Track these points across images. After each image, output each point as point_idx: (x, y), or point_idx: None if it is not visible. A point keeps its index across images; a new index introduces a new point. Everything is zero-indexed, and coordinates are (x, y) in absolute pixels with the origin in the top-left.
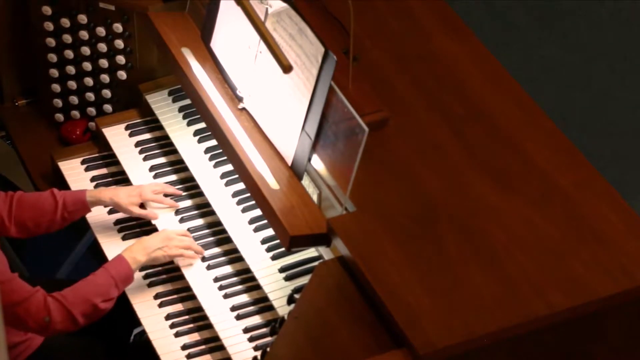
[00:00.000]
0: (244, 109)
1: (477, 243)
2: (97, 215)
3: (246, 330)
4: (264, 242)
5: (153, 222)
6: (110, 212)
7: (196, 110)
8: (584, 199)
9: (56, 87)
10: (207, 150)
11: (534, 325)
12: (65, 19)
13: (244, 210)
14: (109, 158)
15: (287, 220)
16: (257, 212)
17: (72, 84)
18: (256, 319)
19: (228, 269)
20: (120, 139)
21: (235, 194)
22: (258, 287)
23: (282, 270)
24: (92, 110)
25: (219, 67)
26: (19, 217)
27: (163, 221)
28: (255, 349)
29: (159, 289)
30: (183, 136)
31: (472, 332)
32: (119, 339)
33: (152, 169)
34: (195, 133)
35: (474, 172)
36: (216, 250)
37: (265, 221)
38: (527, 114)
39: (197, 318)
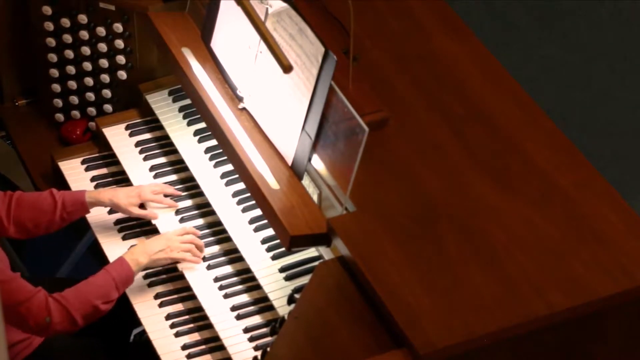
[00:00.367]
0: (244, 108)
1: (477, 243)
2: (97, 215)
3: (246, 330)
4: (264, 242)
5: (153, 222)
6: (111, 212)
7: (196, 110)
8: (584, 199)
9: (56, 87)
10: (207, 150)
11: (534, 325)
12: (66, 19)
13: (244, 210)
14: (109, 158)
15: (287, 220)
16: (257, 212)
17: (72, 84)
18: (256, 319)
19: (228, 269)
20: (120, 138)
21: (235, 194)
22: (258, 287)
23: (282, 270)
24: (92, 110)
25: (219, 67)
26: (18, 217)
27: (163, 221)
28: (256, 348)
29: (159, 288)
30: (183, 136)
31: (472, 332)
32: (119, 339)
33: (152, 168)
34: (196, 133)
35: (474, 172)
36: (216, 250)
37: (266, 221)
38: (527, 114)
39: (197, 318)
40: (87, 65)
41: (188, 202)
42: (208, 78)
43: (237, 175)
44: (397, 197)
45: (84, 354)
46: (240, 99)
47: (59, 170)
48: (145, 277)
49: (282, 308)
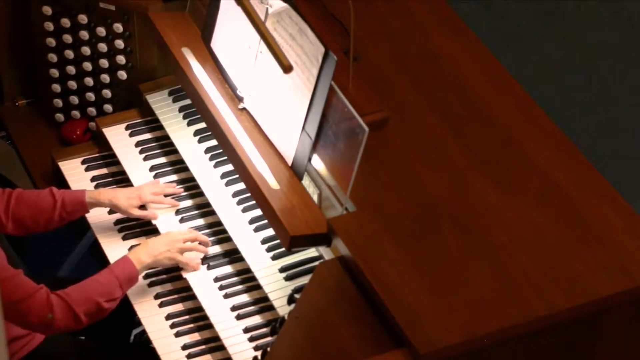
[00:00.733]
0: (244, 109)
1: (477, 243)
2: (97, 215)
3: (246, 330)
4: (264, 242)
5: (153, 222)
6: (111, 212)
7: (196, 110)
8: (584, 199)
9: (56, 87)
10: (207, 150)
11: (534, 325)
12: (66, 19)
13: (244, 210)
14: (109, 158)
15: (287, 220)
16: (258, 212)
17: (73, 84)
18: (256, 319)
19: (228, 269)
20: (120, 139)
21: (235, 194)
22: (258, 287)
23: (282, 270)
24: (92, 110)
25: (219, 67)
26: (17, 214)
27: (163, 221)
28: (256, 348)
29: (159, 289)
30: (183, 136)
31: (472, 332)
32: (119, 340)
33: (152, 169)
34: (196, 133)
35: (474, 172)
36: (216, 250)
37: (266, 221)
38: (527, 114)
39: (197, 318)
40: (87, 66)
41: (188, 202)
42: (208, 78)
43: (237, 176)
44: (397, 197)
45: (83, 354)
46: (240, 99)
47: (59, 170)
48: (146, 277)
49: (282, 308)
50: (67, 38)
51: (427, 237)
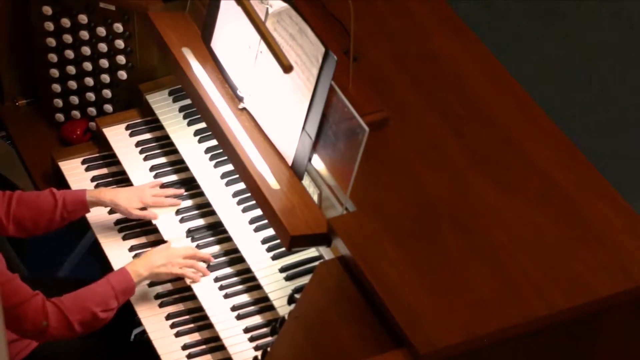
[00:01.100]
0: (244, 108)
1: (477, 243)
2: (97, 216)
3: (247, 330)
4: (264, 242)
5: (153, 222)
6: (111, 212)
7: (196, 110)
8: (584, 199)
9: (56, 87)
10: (207, 150)
11: (534, 325)
12: (66, 19)
13: (244, 210)
14: (109, 158)
15: (287, 220)
16: (258, 212)
17: (73, 84)
18: (257, 319)
19: (228, 269)
20: (120, 139)
21: (235, 194)
22: (258, 287)
23: (282, 270)
24: (92, 110)
25: (219, 67)
26: (18, 216)
27: (163, 221)
28: (256, 348)
29: (160, 289)
30: (183, 136)
31: (472, 332)
32: (118, 341)
33: (152, 168)
34: (196, 133)
35: (474, 172)
36: (216, 250)
37: (266, 221)
38: (527, 114)
39: (197, 318)
40: (88, 65)
41: (188, 202)
42: (208, 78)
43: (237, 176)
44: (397, 197)
45: (84, 355)
46: (241, 99)
47: (59, 170)
48: None
49: (283, 308)
50: (67, 38)
51: (427, 237)
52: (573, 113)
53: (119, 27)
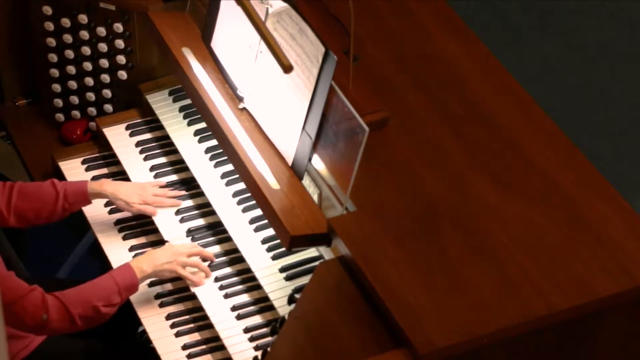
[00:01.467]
0: (244, 108)
1: (477, 243)
2: (97, 215)
3: (247, 330)
4: (264, 242)
5: (154, 219)
6: (111, 212)
7: (196, 110)
8: (584, 199)
9: (57, 87)
10: (207, 150)
11: (534, 325)
12: (66, 19)
13: (244, 210)
14: (109, 158)
15: (287, 220)
16: (258, 212)
17: (73, 84)
18: (257, 319)
19: (228, 269)
20: (120, 138)
21: (235, 194)
22: (258, 287)
23: (282, 270)
24: (92, 110)
25: (219, 67)
26: (19, 207)
27: (163, 221)
28: (256, 348)
29: (160, 289)
30: (183, 136)
31: (472, 332)
32: (121, 342)
33: (152, 168)
34: (196, 133)
35: (474, 172)
36: (217, 250)
37: (266, 221)
38: (527, 114)
39: (197, 318)
40: (88, 65)
41: (188, 202)
42: (208, 78)
43: (237, 176)
44: (397, 197)
45: (85, 356)
46: (241, 99)
47: (60, 170)
48: None
49: (283, 308)
50: (67, 38)
51: (427, 237)
52: (573, 113)
53: (119, 27)
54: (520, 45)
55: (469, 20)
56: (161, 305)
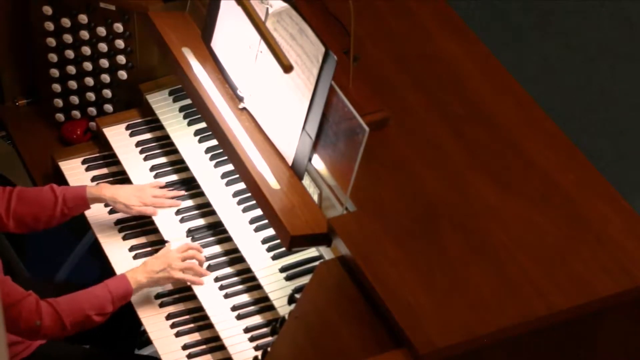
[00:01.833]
0: (244, 108)
1: (477, 243)
2: (97, 216)
3: (247, 330)
4: (264, 242)
5: (154, 219)
6: (111, 212)
7: (197, 110)
8: (584, 199)
9: (57, 87)
10: (207, 150)
11: (534, 325)
12: (66, 18)
13: (244, 210)
14: (109, 158)
15: (287, 220)
16: (258, 212)
17: (73, 84)
18: (257, 319)
19: (228, 269)
20: (120, 138)
21: (235, 194)
22: (259, 287)
23: (282, 270)
24: (92, 110)
25: (219, 66)
26: (18, 212)
27: (163, 220)
28: (256, 348)
29: (160, 289)
30: (184, 136)
31: (472, 332)
32: (120, 342)
33: (152, 168)
34: (196, 133)
35: (474, 172)
36: (217, 250)
37: (266, 221)
38: (527, 114)
39: (197, 318)
40: (88, 65)
41: (188, 202)
42: (208, 78)
43: (237, 175)
44: (397, 197)
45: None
46: (241, 99)
47: (60, 170)
48: None
49: (283, 308)
50: (68, 38)
51: (427, 237)
52: (573, 113)
53: (119, 27)
54: (520, 45)
55: (469, 20)
56: (161, 305)
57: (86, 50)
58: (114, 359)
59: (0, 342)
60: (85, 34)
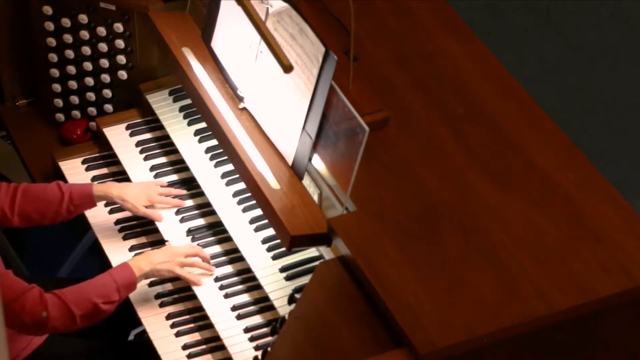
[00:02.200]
0: (244, 108)
1: (477, 243)
2: (97, 215)
3: (247, 330)
4: (264, 241)
5: (157, 223)
6: (111, 212)
7: (197, 110)
8: (584, 199)
9: (57, 87)
10: (207, 150)
11: (534, 325)
12: (66, 18)
13: (244, 210)
14: (109, 158)
15: (287, 220)
16: (258, 211)
17: (73, 84)
18: (257, 319)
19: (229, 269)
20: (120, 138)
21: (235, 194)
22: (259, 286)
23: (282, 270)
24: (92, 110)
25: (219, 66)
26: (24, 208)
27: (164, 220)
28: (256, 348)
29: (160, 288)
30: (184, 136)
31: (472, 332)
32: (117, 339)
33: (152, 168)
34: (196, 133)
35: (474, 172)
36: (217, 250)
37: (266, 221)
38: (527, 114)
39: (197, 318)
40: (88, 65)
41: (189, 202)
42: (208, 78)
43: (237, 175)
44: (397, 197)
45: (85, 357)
46: (241, 99)
47: (60, 170)
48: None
49: (283, 308)
50: (68, 38)
51: (427, 237)
52: (573, 113)
53: (119, 27)
54: (520, 45)
55: (469, 20)
56: (161, 305)
57: (86, 50)
58: (114, 351)
59: (0, 342)
60: (85, 34)
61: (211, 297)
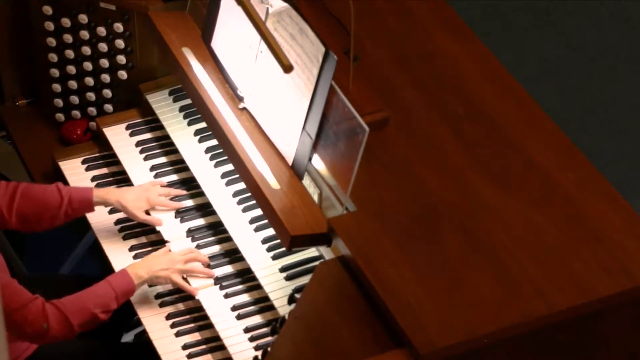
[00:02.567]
0: (244, 108)
1: (477, 243)
2: (97, 215)
3: (247, 330)
4: (264, 241)
5: (157, 227)
6: (111, 212)
7: (197, 110)
8: (584, 199)
9: (57, 87)
10: (207, 150)
11: (534, 325)
12: (66, 18)
13: (244, 210)
14: (109, 158)
15: (287, 220)
16: (258, 211)
17: (73, 84)
18: (257, 319)
19: (229, 269)
20: (120, 138)
21: (235, 194)
22: (259, 286)
23: (282, 270)
24: (92, 110)
25: (219, 66)
26: (21, 209)
27: (164, 220)
28: (256, 348)
29: (160, 288)
30: (184, 136)
31: (472, 332)
32: (117, 339)
33: (152, 168)
34: (196, 133)
35: (474, 172)
36: (217, 250)
37: (266, 221)
38: (527, 114)
39: (197, 318)
40: (88, 65)
41: (188, 202)
42: (208, 78)
43: (237, 175)
44: (397, 197)
45: (85, 356)
46: (241, 99)
47: (60, 170)
48: None
49: (283, 308)
50: (68, 38)
51: (427, 237)
52: (573, 113)
53: (119, 27)
54: (520, 45)
55: (469, 20)
56: (161, 305)
57: (86, 50)
58: (114, 352)
59: (0, 341)
60: (85, 34)
61: (211, 297)
